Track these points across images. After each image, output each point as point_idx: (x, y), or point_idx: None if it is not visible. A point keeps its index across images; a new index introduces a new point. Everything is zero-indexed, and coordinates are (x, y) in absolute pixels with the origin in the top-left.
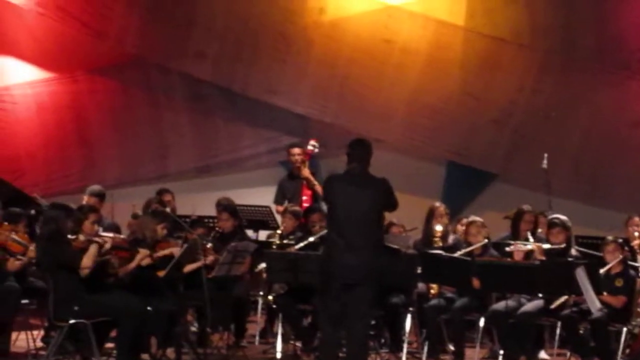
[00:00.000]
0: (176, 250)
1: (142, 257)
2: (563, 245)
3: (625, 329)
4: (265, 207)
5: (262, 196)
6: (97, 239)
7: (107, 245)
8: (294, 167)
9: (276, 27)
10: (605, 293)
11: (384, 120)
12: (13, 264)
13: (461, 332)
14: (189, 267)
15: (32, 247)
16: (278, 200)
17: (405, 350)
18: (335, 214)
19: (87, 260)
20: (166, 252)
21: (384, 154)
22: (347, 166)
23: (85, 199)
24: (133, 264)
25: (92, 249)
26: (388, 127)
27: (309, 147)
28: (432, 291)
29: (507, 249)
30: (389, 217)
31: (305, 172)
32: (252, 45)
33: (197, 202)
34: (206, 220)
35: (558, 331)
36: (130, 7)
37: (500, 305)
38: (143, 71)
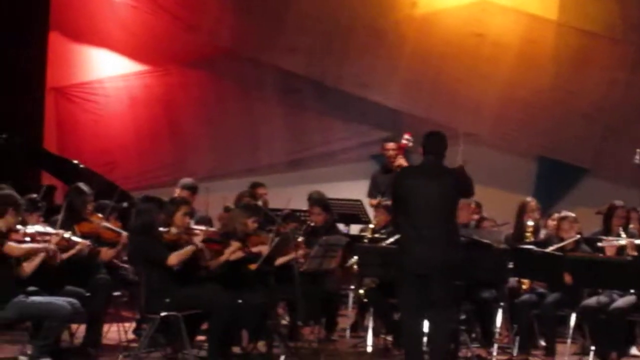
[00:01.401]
0: (265, 249)
1: (233, 250)
2: None
3: None
4: (357, 200)
5: (353, 190)
6: (196, 244)
7: (200, 238)
8: (388, 161)
9: (368, 21)
10: None
11: (475, 114)
12: (106, 254)
13: (552, 327)
14: (280, 261)
15: (125, 234)
16: (371, 194)
17: (495, 345)
18: (408, 206)
19: (175, 259)
20: (258, 249)
21: (476, 148)
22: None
23: (177, 192)
24: (224, 257)
25: (187, 250)
26: (479, 121)
27: (403, 141)
28: (524, 286)
29: (599, 244)
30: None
31: (401, 160)
32: (344, 39)
33: (288, 195)
34: (298, 213)
35: None
36: (223, 1)
37: (591, 300)
38: (235, 64)
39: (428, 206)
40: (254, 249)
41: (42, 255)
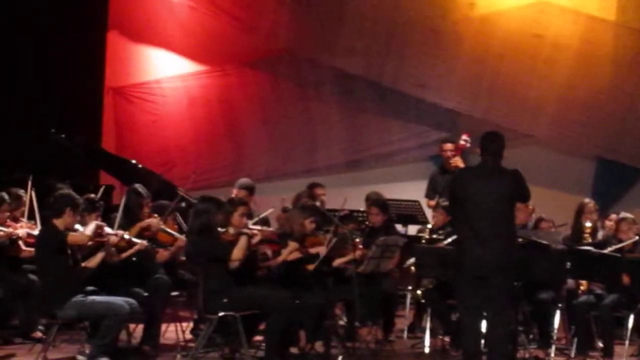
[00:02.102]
0: (323, 250)
1: (291, 250)
2: None
3: None
4: (415, 201)
5: (411, 190)
6: (246, 230)
7: (257, 238)
8: (446, 162)
9: (426, 22)
10: None
11: (533, 115)
12: (162, 255)
13: (610, 329)
14: (338, 261)
15: (181, 237)
16: (429, 195)
17: (553, 346)
18: (465, 207)
19: (237, 253)
20: (315, 250)
21: (534, 150)
22: (481, 159)
23: (235, 192)
24: (282, 257)
25: (242, 241)
26: (538, 123)
27: (462, 142)
28: (582, 287)
29: None
30: (538, 212)
31: (458, 161)
32: (402, 39)
33: (346, 196)
34: (356, 214)
35: None
36: (280, 2)
37: None
38: (293, 65)
39: (485, 207)
40: (312, 250)
41: (102, 254)
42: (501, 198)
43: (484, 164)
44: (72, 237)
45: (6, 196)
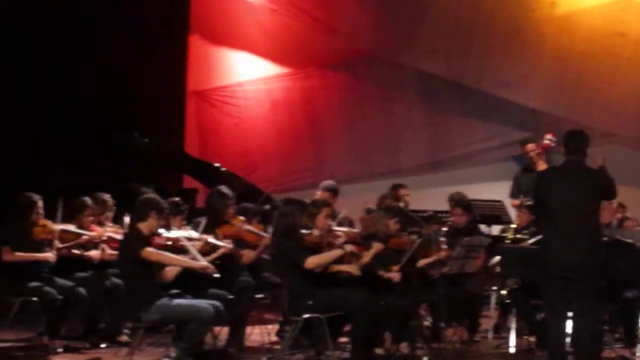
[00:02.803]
0: (410, 247)
1: (375, 251)
2: None
3: None
4: (498, 201)
5: (494, 190)
6: (347, 247)
7: (341, 240)
8: (530, 162)
9: (508, 21)
10: None
11: (617, 114)
12: (248, 256)
13: None
14: (422, 262)
15: (266, 236)
16: (514, 195)
17: (639, 345)
18: (550, 207)
19: (317, 260)
20: (400, 246)
21: (617, 149)
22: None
23: (318, 194)
24: (366, 258)
25: (333, 254)
26: (621, 122)
27: (545, 142)
28: None
29: None
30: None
31: (541, 166)
32: (484, 40)
33: (429, 197)
34: (439, 214)
35: None
36: (362, 4)
37: None
38: (375, 67)
39: (570, 207)
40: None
41: (186, 263)
42: (585, 197)
43: (568, 163)
44: (146, 252)
45: (89, 201)
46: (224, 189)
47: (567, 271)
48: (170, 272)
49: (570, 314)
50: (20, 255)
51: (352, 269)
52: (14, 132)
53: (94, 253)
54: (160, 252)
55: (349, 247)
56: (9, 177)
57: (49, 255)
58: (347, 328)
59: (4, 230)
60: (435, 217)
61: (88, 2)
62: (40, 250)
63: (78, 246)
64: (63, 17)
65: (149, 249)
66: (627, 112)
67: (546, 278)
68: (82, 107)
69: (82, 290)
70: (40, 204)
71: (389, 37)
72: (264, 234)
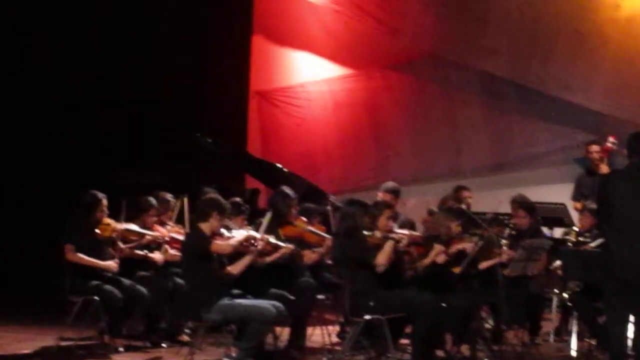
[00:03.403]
0: (469, 246)
1: (437, 252)
2: None
3: None
4: (560, 204)
5: (556, 193)
6: (393, 235)
7: (403, 242)
8: (593, 164)
9: (571, 23)
10: None
11: None
12: (309, 257)
13: None
14: (484, 264)
15: (329, 237)
16: (576, 197)
17: None
18: (613, 211)
19: (382, 257)
20: (459, 246)
21: None
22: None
23: (380, 196)
24: (428, 260)
25: (388, 246)
26: None
27: (608, 144)
28: None
29: None
30: None
31: (604, 169)
32: (547, 41)
33: (491, 198)
34: (501, 217)
35: None
36: (425, 4)
37: None
38: (438, 67)
39: (633, 210)
40: (456, 246)
41: (249, 257)
42: None
43: (632, 166)
44: (215, 245)
45: (154, 200)
46: (287, 189)
47: (630, 275)
48: (236, 268)
49: (632, 317)
50: (82, 258)
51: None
52: (81, 130)
53: (158, 257)
54: (228, 242)
55: (403, 243)
56: (75, 175)
57: (111, 264)
58: (408, 329)
59: (68, 229)
60: (496, 220)
61: (153, 4)
62: (103, 248)
63: (141, 246)
64: (128, 18)
65: (218, 242)
66: None
67: (608, 281)
68: (147, 106)
69: (143, 289)
70: (104, 202)
71: (451, 38)
72: (326, 235)
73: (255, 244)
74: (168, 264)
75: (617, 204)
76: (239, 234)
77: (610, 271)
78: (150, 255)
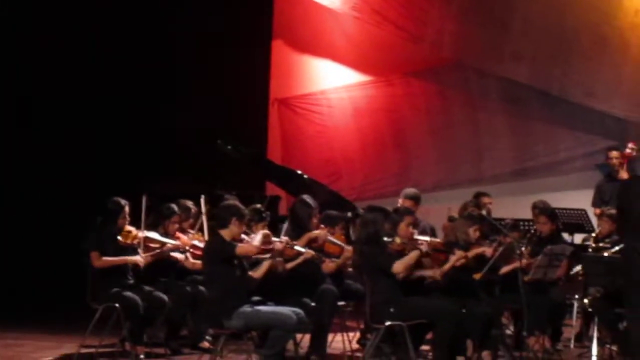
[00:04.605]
0: (488, 250)
1: (457, 258)
2: None
3: None
4: (581, 210)
5: (578, 199)
6: (420, 246)
7: (424, 248)
8: (613, 170)
9: (593, 29)
10: None
11: None
12: (327, 266)
13: None
14: (504, 269)
15: (348, 248)
16: (596, 203)
17: None
18: (632, 216)
19: (401, 266)
20: (479, 250)
21: None
22: None
23: (400, 202)
24: (448, 266)
25: (412, 255)
26: None
27: (628, 150)
28: None
29: None
30: None
31: (624, 174)
32: (569, 47)
33: (513, 205)
34: (522, 223)
35: None
36: (446, 11)
37: None
38: (459, 74)
39: None
40: (475, 251)
41: (268, 262)
42: None
43: None
44: (241, 248)
45: (176, 207)
46: (308, 198)
47: None
48: (256, 273)
49: None
50: (109, 260)
51: (434, 273)
52: (104, 137)
53: (180, 256)
54: (252, 243)
55: (423, 248)
56: (98, 182)
57: (138, 258)
58: (429, 336)
59: (92, 236)
60: (515, 226)
61: (174, 10)
62: (125, 256)
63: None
64: (148, 23)
65: (242, 245)
66: None
67: (629, 287)
68: (167, 113)
69: (164, 296)
70: (127, 209)
71: (473, 45)
72: (345, 246)
73: (273, 243)
74: (189, 271)
75: (634, 210)
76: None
77: (630, 277)
78: (175, 255)
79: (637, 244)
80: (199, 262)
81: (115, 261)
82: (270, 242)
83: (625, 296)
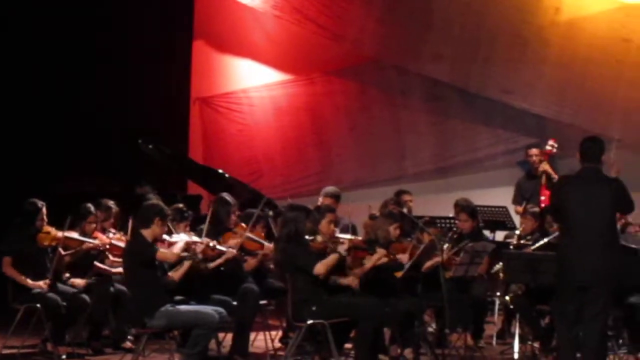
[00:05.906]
0: (406, 257)
1: (379, 257)
2: None
3: None
4: (502, 207)
5: (498, 196)
6: (341, 245)
7: (345, 247)
8: (533, 168)
9: (512, 27)
10: None
11: (622, 119)
12: (250, 263)
13: None
14: (427, 265)
15: (268, 245)
16: (517, 201)
17: None
18: (566, 216)
19: (322, 267)
20: (400, 257)
21: (623, 154)
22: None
23: (321, 200)
24: (369, 264)
25: (331, 258)
26: (627, 127)
27: (548, 147)
28: None
29: None
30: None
31: (545, 165)
32: (488, 46)
33: (434, 203)
34: (443, 220)
35: None
36: (366, 10)
37: None
38: (380, 72)
39: (587, 216)
40: (399, 256)
41: (188, 263)
42: (602, 206)
43: (585, 170)
44: (161, 254)
45: (92, 207)
46: (227, 196)
47: (583, 279)
48: (176, 274)
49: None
50: (15, 273)
51: (352, 282)
52: (20, 138)
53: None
54: (173, 250)
55: (343, 248)
56: (14, 183)
57: (41, 284)
58: (352, 334)
59: (9, 240)
60: (432, 222)
61: (95, 8)
62: (43, 257)
63: (81, 254)
64: (67, 21)
65: (163, 250)
66: (631, 118)
67: (560, 286)
68: (86, 113)
69: (85, 296)
70: (44, 210)
71: (393, 43)
72: (265, 242)
73: (196, 247)
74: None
75: (568, 209)
76: (180, 238)
77: (563, 275)
78: (101, 265)
79: (571, 243)
80: (118, 260)
81: (18, 279)
82: (191, 249)
83: (555, 295)
